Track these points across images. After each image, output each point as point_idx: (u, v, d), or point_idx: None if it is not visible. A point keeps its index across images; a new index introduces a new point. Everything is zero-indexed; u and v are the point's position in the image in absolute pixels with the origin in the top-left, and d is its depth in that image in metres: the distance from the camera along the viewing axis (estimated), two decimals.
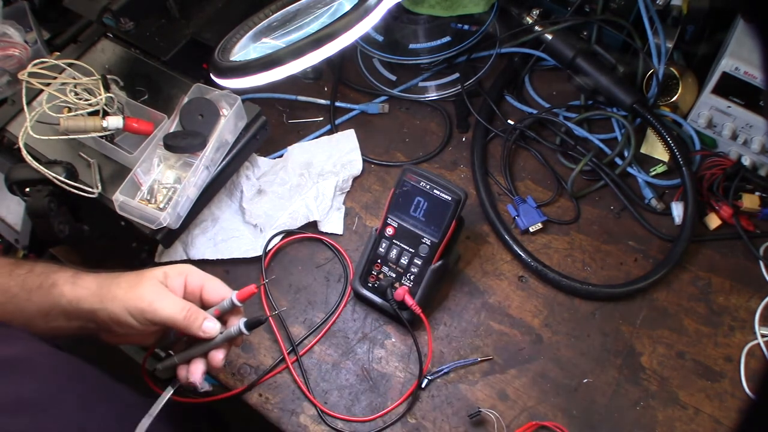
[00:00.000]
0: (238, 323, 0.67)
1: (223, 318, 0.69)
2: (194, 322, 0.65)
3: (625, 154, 0.89)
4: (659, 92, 0.90)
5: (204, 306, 0.69)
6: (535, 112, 0.95)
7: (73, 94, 0.80)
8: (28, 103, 0.81)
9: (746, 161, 0.86)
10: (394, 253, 0.80)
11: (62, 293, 0.64)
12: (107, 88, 0.82)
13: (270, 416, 0.77)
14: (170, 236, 0.83)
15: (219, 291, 0.69)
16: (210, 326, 0.66)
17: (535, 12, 0.95)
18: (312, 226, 0.89)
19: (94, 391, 0.62)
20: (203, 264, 0.87)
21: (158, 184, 0.80)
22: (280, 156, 0.95)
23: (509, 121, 0.95)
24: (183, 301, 0.65)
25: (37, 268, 0.67)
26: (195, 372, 0.67)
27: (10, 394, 0.54)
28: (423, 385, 0.77)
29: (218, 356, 0.68)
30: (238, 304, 0.68)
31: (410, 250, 0.79)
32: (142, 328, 0.64)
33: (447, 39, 0.96)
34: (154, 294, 0.64)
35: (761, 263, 0.81)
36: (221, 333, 0.67)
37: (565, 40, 0.92)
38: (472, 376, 0.77)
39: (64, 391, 0.58)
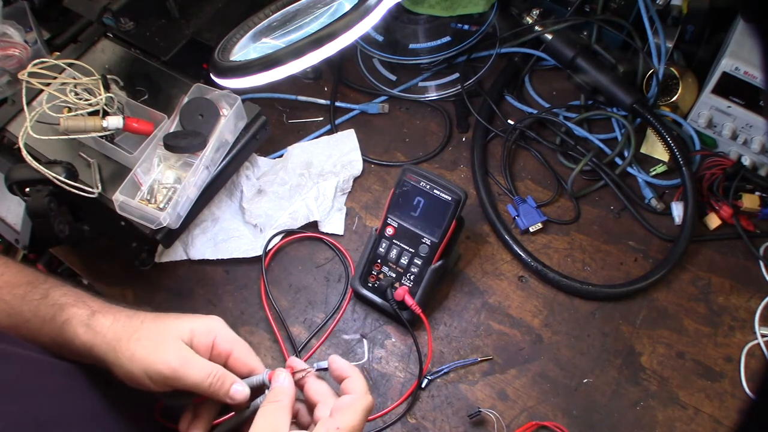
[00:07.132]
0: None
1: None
2: (220, 388, 0.59)
3: (625, 154, 0.89)
4: (659, 92, 0.90)
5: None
6: (535, 112, 0.95)
7: (73, 94, 0.80)
8: (28, 103, 0.81)
9: (746, 161, 0.86)
10: (394, 253, 0.80)
11: (76, 334, 0.60)
12: (107, 88, 0.82)
13: None
14: (170, 236, 0.83)
15: (248, 360, 0.63)
16: (238, 390, 0.60)
17: (535, 12, 0.96)
18: (312, 225, 0.89)
19: (104, 406, 0.60)
20: (203, 264, 0.87)
21: (158, 184, 0.80)
22: (280, 156, 0.95)
23: (509, 121, 0.95)
24: (209, 365, 0.59)
25: (51, 295, 0.63)
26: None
27: (25, 417, 0.51)
28: (423, 385, 0.77)
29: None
30: (269, 384, 0.62)
31: (410, 250, 0.79)
32: (158, 389, 0.59)
33: (447, 39, 0.96)
34: (179, 360, 0.58)
35: (761, 263, 0.81)
36: (249, 407, 0.61)
37: (565, 39, 0.92)
38: (472, 376, 0.77)
39: (77, 409, 0.57)
